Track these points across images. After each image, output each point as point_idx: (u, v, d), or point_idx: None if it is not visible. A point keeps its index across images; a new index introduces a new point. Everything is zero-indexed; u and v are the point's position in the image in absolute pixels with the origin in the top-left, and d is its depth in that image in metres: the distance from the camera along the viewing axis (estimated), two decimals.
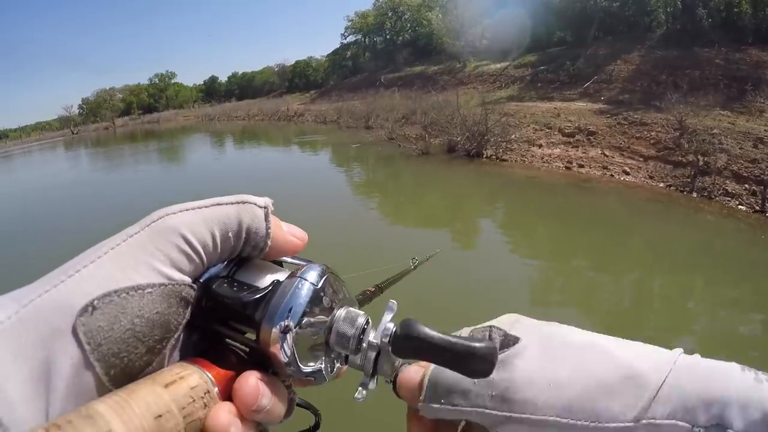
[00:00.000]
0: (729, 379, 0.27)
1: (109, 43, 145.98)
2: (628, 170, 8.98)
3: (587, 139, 10.29)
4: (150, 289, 0.25)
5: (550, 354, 0.31)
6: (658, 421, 0.26)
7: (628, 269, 5.13)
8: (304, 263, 0.32)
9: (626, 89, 14.86)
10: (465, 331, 0.36)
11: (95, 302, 0.23)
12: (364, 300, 0.51)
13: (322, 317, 0.30)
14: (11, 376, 0.21)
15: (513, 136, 9.88)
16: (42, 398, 0.22)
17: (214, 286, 0.28)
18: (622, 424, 0.26)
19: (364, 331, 0.31)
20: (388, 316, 0.32)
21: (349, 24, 35.90)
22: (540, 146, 9.77)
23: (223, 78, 57.99)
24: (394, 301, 0.33)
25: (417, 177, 9.42)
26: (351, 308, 0.32)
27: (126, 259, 0.25)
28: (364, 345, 0.31)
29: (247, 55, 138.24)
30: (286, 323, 0.27)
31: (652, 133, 10.18)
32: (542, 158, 9.37)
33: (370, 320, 0.32)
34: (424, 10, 30.58)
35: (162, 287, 0.25)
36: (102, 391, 0.23)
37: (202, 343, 0.29)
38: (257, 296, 0.28)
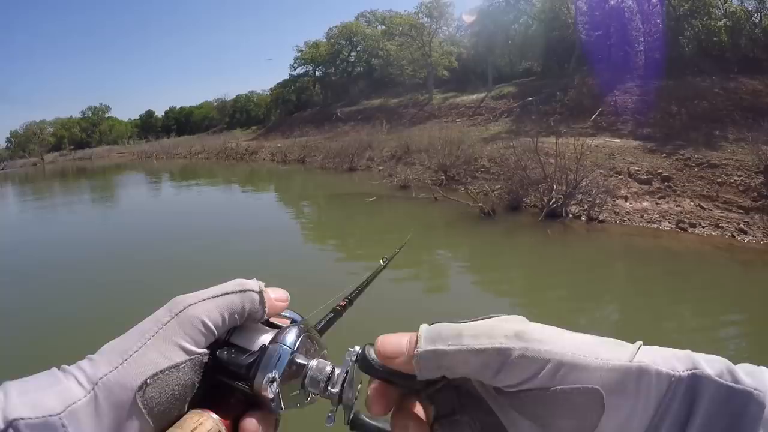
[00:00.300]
0: (685, 351, 0.32)
1: (38, 73, 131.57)
2: (745, 228, 7.30)
3: (666, 187, 8.61)
4: (183, 365, 0.34)
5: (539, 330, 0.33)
6: (645, 364, 0.29)
7: None
8: (288, 318, 0.44)
9: (644, 122, 13.72)
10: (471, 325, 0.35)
11: (148, 380, 0.33)
12: (335, 317, 0.53)
13: (298, 369, 0.39)
14: None
15: (621, 191, 7.83)
16: None
17: (218, 353, 0.38)
18: (619, 363, 0.30)
19: (329, 378, 0.39)
20: (346, 365, 0.40)
21: (299, 55, 33.55)
22: (625, 198, 7.93)
23: (159, 113, 55.35)
24: (352, 349, 0.39)
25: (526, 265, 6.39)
26: (321, 360, 0.41)
27: (164, 344, 0.34)
28: (330, 387, 0.39)
29: (184, 89, 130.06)
30: (272, 375, 0.37)
31: (734, 178, 8.74)
32: (641, 216, 7.48)
33: (335, 368, 0.40)
34: (383, 40, 28.97)
35: (191, 361, 0.35)
36: None
37: (210, 390, 0.38)
38: (250, 361, 0.38)
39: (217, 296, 0.38)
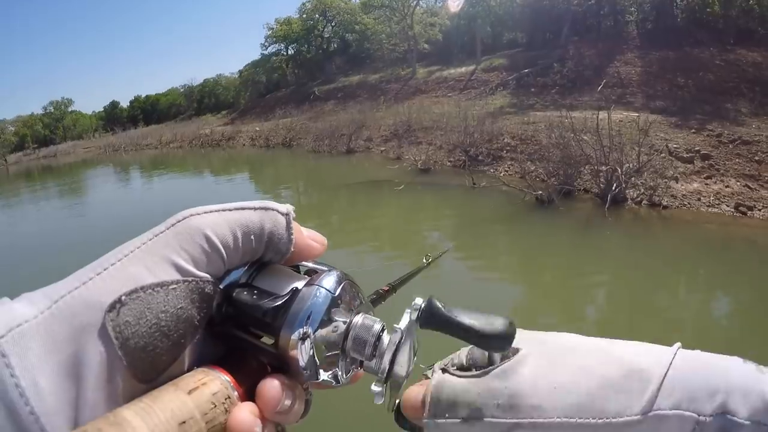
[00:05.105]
0: (730, 370, 0.28)
1: None
2: None
3: (708, 165, 8.14)
4: (174, 286, 0.26)
5: (551, 359, 0.31)
6: (663, 412, 0.26)
7: None
8: (323, 268, 0.33)
9: (653, 95, 13.35)
10: (463, 352, 0.34)
11: (123, 298, 0.24)
12: (377, 300, 0.47)
13: (339, 324, 0.31)
14: (43, 369, 0.22)
15: (669, 172, 7.23)
16: (72, 390, 0.23)
17: (234, 294, 0.30)
18: (629, 418, 0.26)
19: (379, 337, 0.31)
20: (398, 332, 0.32)
21: (270, 33, 31.70)
22: (675, 179, 7.39)
23: (124, 103, 52.62)
24: (419, 299, 0.32)
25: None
26: (367, 315, 0.32)
27: (152, 257, 0.26)
28: (380, 350, 0.31)
29: (149, 77, 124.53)
30: (305, 330, 0.28)
31: None
32: (698, 198, 6.96)
33: (385, 327, 0.32)
34: (360, 13, 27.59)
35: (186, 284, 0.26)
36: (129, 384, 0.24)
37: (223, 347, 0.30)
38: (276, 304, 0.29)
39: (230, 210, 0.30)
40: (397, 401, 0.33)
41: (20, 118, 51.04)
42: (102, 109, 54.56)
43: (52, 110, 50.68)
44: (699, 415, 0.26)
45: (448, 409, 0.30)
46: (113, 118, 50.33)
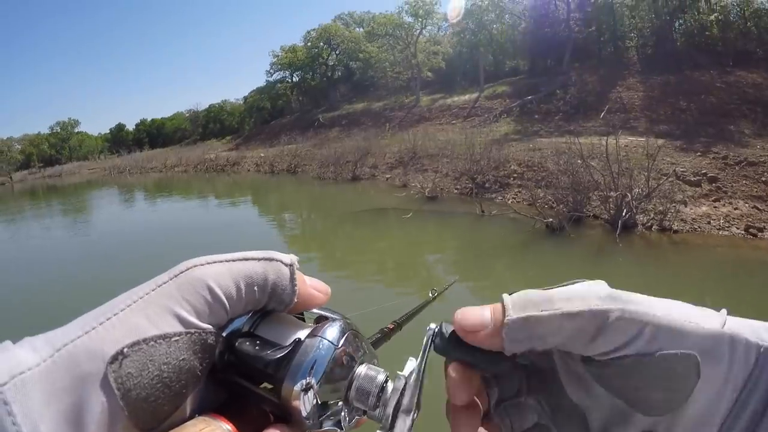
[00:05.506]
0: None
1: (3, 88, 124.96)
2: None
3: (716, 188, 8.13)
4: (176, 338, 0.26)
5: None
6: (736, 332, 0.27)
7: None
8: (329, 315, 0.34)
9: (657, 119, 13.43)
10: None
11: (125, 350, 0.25)
12: (381, 339, 0.47)
13: (342, 374, 0.31)
14: (44, 417, 0.22)
15: (678, 196, 7.23)
16: None
17: (237, 344, 0.30)
18: (713, 328, 0.27)
19: (383, 388, 0.31)
20: (401, 380, 0.32)
21: (275, 60, 32.34)
22: (684, 203, 7.38)
23: (130, 126, 54.15)
24: (401, 374, 0.33)
25: None
26: (371, 365, 0.33)
27: (154, 308, 0.26)
28: (383, 400, 0.31)
29: (155, 100, 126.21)
30: (308, 381, 0.28)
31: None
32: (708, 222, 6.93)
33: (389, 378, 0.32)
34: (364, 42, 28.15)
35: (188, 335, 0.27)
36: None
37: (224, 395, 0.30)
38: (279, 356, 0.29)
39: (234, 260, 0.30)
40: (439, 327, 0.31)
41: (27, 137, 51.88)
42: (108, 131, 55.80)
43: (59, 130, 51.57)
44: (762, 342, 0.27)
45: (542, 303, 0.28)
46: (119, 140, 51.25)
